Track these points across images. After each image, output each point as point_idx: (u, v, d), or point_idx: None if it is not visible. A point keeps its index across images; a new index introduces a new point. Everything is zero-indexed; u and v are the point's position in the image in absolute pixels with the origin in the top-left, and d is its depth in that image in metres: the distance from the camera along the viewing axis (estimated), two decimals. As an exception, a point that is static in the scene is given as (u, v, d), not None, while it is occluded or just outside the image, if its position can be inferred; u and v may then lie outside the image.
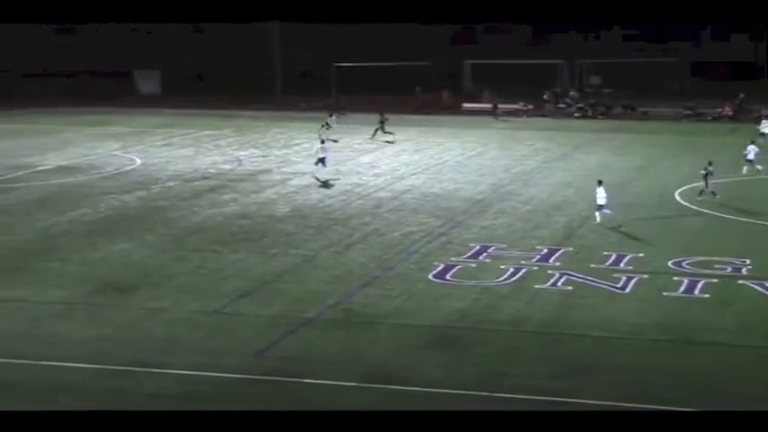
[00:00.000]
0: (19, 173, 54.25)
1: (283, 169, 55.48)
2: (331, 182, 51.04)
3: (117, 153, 61.05)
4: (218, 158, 59.14)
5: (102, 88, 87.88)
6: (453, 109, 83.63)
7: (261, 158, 59.12)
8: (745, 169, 52.81)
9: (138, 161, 58.10)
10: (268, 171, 54.82)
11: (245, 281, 34.37)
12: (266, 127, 72.56)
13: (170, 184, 51.40)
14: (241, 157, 59.62)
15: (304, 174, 53.26)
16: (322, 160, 52.13)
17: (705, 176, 46.98)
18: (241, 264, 36.50)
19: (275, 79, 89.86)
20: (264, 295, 32.91)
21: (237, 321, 30.51)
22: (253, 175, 53.62)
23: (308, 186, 50.51)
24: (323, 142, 54.94)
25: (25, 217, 43.74)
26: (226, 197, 48.01)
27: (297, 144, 64.59)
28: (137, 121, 75.93)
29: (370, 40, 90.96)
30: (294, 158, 59.10)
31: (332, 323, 30.37)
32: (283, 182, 51.84)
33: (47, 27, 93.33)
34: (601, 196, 42.36)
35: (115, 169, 55.61)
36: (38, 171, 54.53)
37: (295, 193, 49.16)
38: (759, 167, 52.56)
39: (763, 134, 62.33)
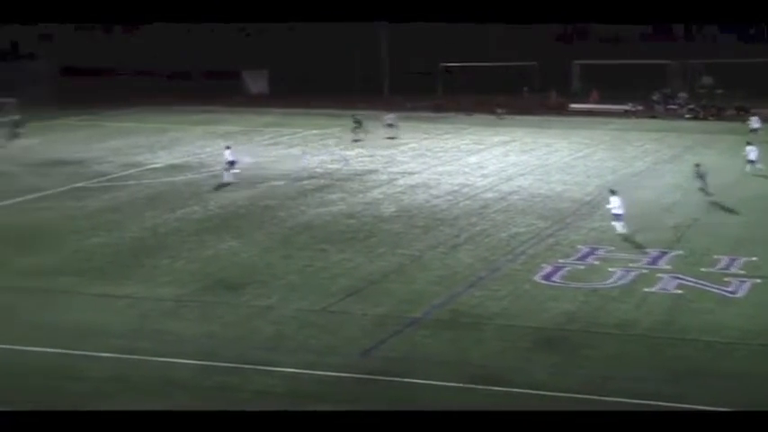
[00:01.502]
0: (130, 171, 55.11)
1: (390, 169, 55.52)
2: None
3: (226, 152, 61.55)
4: (325, 158, 59.42)
5: (212, 88, 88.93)
6: (561, 109, 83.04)
7: (367, 158, 59.25)
8: (748, 168, 52.88)
9: (248, 160, 58.56)
10: (375, 171, 54.92)
11: (352, 280, 34.45)
12: (373, 127, 72.65)
13: (278, 183, 51.78)
14: (348, 157, 59.82)
15: (412, 174, 53.23)
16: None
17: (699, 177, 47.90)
18: (348, 263, 36.60)
19: (383, 79, 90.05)
20: (371, 295, 32.95)
21: (344, 320, 30.57)
22: (359, 175, 53.76)
23: (414, 186, 50.50)
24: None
25: (135, 214, 44.39)
26: (333, 196, 48.20)
27: (403, 144, 64.60)
28: (245, 120, 76.68)
29: (479, 40, 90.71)
30: (401, 158, 59.11)
31: (438, 323, 30.28)
32: (390, 182, 51.89)
33: (157, 27, 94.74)
34: (616, 206, 41.02)
35: (224, 168, 56.08)
36: (148, 169, 55.31)
37: (402, 193, 49.17)
38: (760, 166, 52.52)
39: (753, 130, 63.14)
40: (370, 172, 54.70)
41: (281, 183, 51.42)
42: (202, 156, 59.76)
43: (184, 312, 31.29)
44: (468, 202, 47.18)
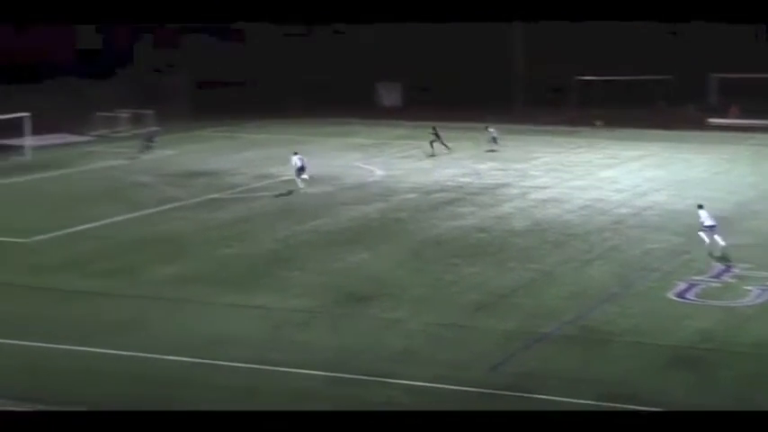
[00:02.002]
0: (263, 182, 55.69)
1: (522, 183, 55.10)
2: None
3: (358, 164, 61.97)
4: (456, 171, 59.23)
5: (345, 100, 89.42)
6: (699, 124, 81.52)
7: (500, 172, 58.90)
8: None
9: (379, 173, 58.81)
10: (506, 185, 54.56)
11: (482, 294, 34.23)
12: (505, 140, 72.26)
13: (409, 196, 51.79)
14: (480, 171, 59.57)
15: (544, 188, 52.78)
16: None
17: None
18: (478, 277, 36.39)
19: (516, 91, 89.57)
20: (500, 309, 32.69)
21: (473, 334, 30.38)
22: (491, 189, 53.47)
23: (546, 201, 50.05)
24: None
25: (268, 226, 44.80)
26: (464, 210, 48.01)
27: (536, 158, 64.11)
28: (378, 132, 76.98)
29: (614, 53, 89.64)
30: (533, 172, 58.63)
31: (568, 339, 29.90)
32: (522, 195, 51.51)
33: (292, 39, 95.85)
34: (705, 217, 39.76)
35: (356, 180, 56.44)
36: (281, 181, 55.80)
37: (533, 207, 48.76)
38: None
39: None
40: (502, 186, 54.37)
41: (412, 196, 51.41)
42: (334, 168, 60.08)
43: (315, 324, 31.45)
44: (601, 217, 46.57)
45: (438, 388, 25.96)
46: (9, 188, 54.64)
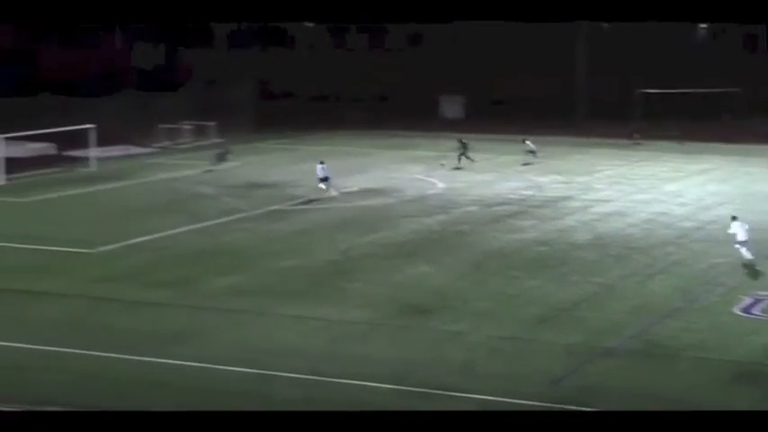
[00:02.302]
0: (324, 194, 55.68)
1: (584, 196, 54.72)
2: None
3: (419, 177, 61.87)
4: (518, 184, 58.94)
5: (407, 113, 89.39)
6: (765, 138, 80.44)
7: (562, 185, 58.54)
8: None
9: (440, 185, 58.66)
10: (569, 198, 54.20)
11: (543, 307, 33.97)
12: (567, 153, 71.92)
13: (471, 208, 51.61)
14: (541, 184, 59.23)
15: (607, 201, 52.33)
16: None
17: None
18: (539, 290, 36.12)
19: (577, 104, 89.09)
20: (562, 323, 32.41)
21: (534, 348, 30.13)
22: (553, 202, 53.14)
23: (608, 214, 49.64)
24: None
25: (328, 238, 44.79)
26: (525, 223, 47.73)
27: (599, 171, 63.66)
28: (438, 145, 76.74)
29: (677, 65, 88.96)
30: (596, 185, 58.21)
31: (631, 354, 29.58)
32: (584, 209, 51.14)
33: (352, 53, 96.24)
34: (739, 231, 39.42)
35: (417, 193, 56.33)
36: (342, 193, 55.81)
37: (596, 220, 48.37)
38: None
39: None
40: (564, 199, 54.02)
41: (473, 208, 51.21)
42: (395, 180, 60.04)
43: (375, 336, 31.35)
44: (664, 230, 46.11)
45: (500, 401, 25.72)
46: (74, 199, 55.11)
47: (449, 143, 75.01)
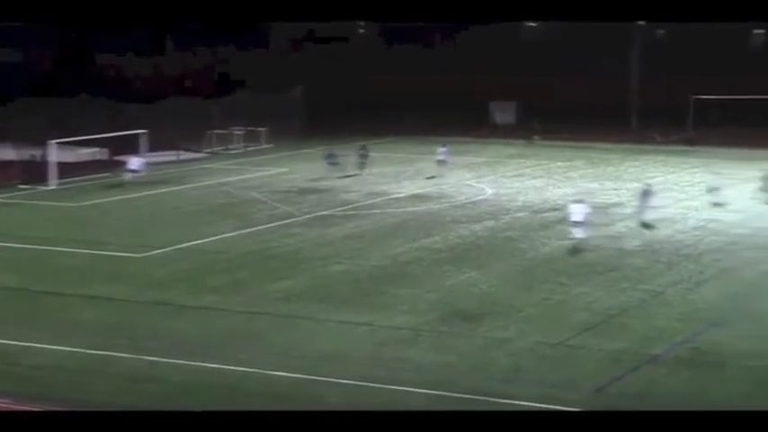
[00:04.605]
0: (375, 200, 55.93)
1: (635, 203, 54.41)
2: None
3: (469, 182, 61.89)
4: (568, 190, 58.79)
5: (459, 119, 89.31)
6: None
7: (613, 191, 58.31)
8: None
9: (490, 191, 58.66)
10: (619, 204, 53.99)
11: (591, 314, 33.92)
12: (620, 159, 71.63)
13: (519, 214, 51.57)
14: (593, 190, 59.04)
15: (657, 208, 52.04)
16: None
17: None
18: (587, 297, 36.07)
19: (631, 110, 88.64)
20: (609, 330, 32.36)
21: (581, 355, 30.11)
22: (603, 208, 52.91)
23: (659, 221, 49.39)
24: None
25: (378, 243, 44.96)
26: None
27: (651, 177, 63.29)
28: (490, 151, 76.75)
29: (734, 70, 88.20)
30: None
31: (678, 362, 29.46)
32: (635, 215, 50.90)
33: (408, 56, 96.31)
34: (577, 212, 44.05)
35: (466, 199, 56.38)
36: (392, 198, 55.99)
37: (652, 229, 48.07)
38: None
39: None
40: (615, 205, 53.83)
41: (522, 214, 51.15)
42: (445, 187, 60.08)
43: (421, 341, 31.44)
44: (715, 237, 45.86)
45: (545, 408, 25.72)
46: (125, 204, 55.63)
47: (501, 149, 75.15)
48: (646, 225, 48.48)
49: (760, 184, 54.71)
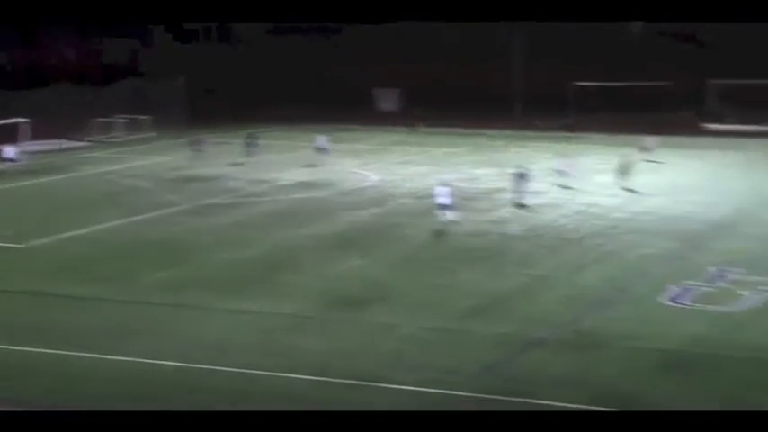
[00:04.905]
0: (261, 187, 55.79)
1: (511, 187, 54.96)
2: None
3: (355, 170, 62.06)
4: (452, 176, 59.19)
5: (343, 106, 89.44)
6: (694, 129, 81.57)
7: (496, 177, 58.94)
8: None
9: (375, 178, 58.90)
10: (503, 190, 54.58)
11: (476, 298, 34.27)
12: (504, 146, 72.43)
13: (405, 201, 51.87)
14: (477, 176, 59.64)
15: (539, 193, 52.77)
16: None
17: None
18: (472, 281, 36.44)
19: (514, 97, 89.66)
20: (495, 313, 32.73)
21: (467, 339, 30.39)
22: (488, 194, 53.53)
23: (542, 206, 50.10)
24: None
25: (264, 231, 44.86)
26: (460, 215, 48.02)
27: (534, 163, 64.04)
28: (375, 138, 77.04)
29: (612, 58, 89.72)
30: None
31: (562, 344, 29.91)
32: (512, 199, 51.54)
33: (287, 45, 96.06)
34: (442, 195, 45.47)
35: (352, 186, 56.55)
36: (278, 186, 55.89)
37: (529, 212, 48.82)
38: None
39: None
40: (498, 191, 54.41)
41: (408, 201, 51.52)
42: (330, 173, 60.17)
43: (308, 328, 31.46)
44: (596, 221, 46.65)
45: (431, 392, 25.96)
46: (5, 194, 54.68)
47: (385, 137, 75.55)
48: (522, 207, 49.61)
49: (617, 168, 55.75)
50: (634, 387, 26.43)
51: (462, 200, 51.71)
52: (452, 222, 44.64)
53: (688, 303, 33.71)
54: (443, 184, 46.31)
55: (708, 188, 55.47)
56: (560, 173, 55.37)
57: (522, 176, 51.80)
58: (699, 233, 44.05)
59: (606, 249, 41.31)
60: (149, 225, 46.30)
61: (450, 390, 25.97)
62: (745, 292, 34.56)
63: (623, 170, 55.05)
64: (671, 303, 33.70)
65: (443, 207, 45.32)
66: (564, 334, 30.77)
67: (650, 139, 67.34)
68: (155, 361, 28.29)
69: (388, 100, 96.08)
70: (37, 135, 67.40)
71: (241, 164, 63.33)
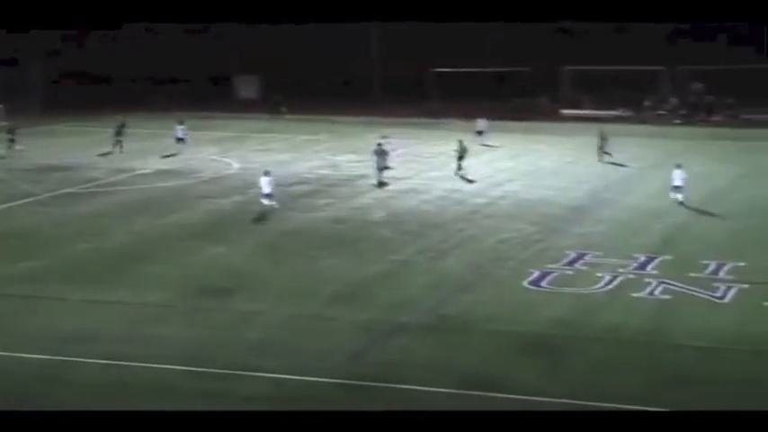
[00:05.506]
0: (120, 176, 55.09)
1: (371, 164, 55.30)
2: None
3: (216, 157, 61.71)
4: (315, 163, 59.40)
5: (204, 93, 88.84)
6: (551, 115, 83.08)
7: (358, 164, 59.19)
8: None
9: (236, 166, 58.65)
10: (365, 176, 54.85)
11: (341, 285, 34.43)
12: (364, 132, 72.71)
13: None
14: (338, 162, 59.83)
15: (401, 179, 53.19)
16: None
17: None
18: (336, 268, 36.58)
19: (373, 84, 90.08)
20: (359, 300, 32.92)
21: (332, 326, 30.52)
22: (350, 180, 53.77)
23: (404, 192, 50.52)
24: None
25: (124, 220, 44.33)
26: (322, 202, 48.20)
27: (393, 150, 64.43)
28: (236, 126, 76.67)
29: (471, 43, 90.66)
30: (390, 164, 58.97)
31: (426, 329, 30.25)
32: (380, 187, 51.86)
33: (155, 35, 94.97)
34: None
35: (213, 173, 56.23)
36: (138, 175, 55.27)
37: (391, 198, 49.22)
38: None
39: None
40: (360, 177, 54.68)
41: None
42: (191, 162, 59.73)
43: (172, 318, 31.25)
44: (457, 207, 47.23)
45: (299, 379, 26.02)
46: None
47: (246, 124, 75.28)
48: (382, 184, 51.23)
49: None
50: (497, 370, 26.87)
51: (324, 186, 51.99)
52: (273, 207, 45.75)
53: (548, 286, 34.39)
54: (266, 174, 46.90)
55: (564, 173, 56.56)
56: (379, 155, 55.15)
57: (381, 153, 52.64)
58: (556, 217, 44.93)
59: (468, 234, 41.85)
60: (5, 216, 45.36)
61: (319, 377, 26.07)
62: (603, 274, 35.40)
63: (460, 155, 55.85)
64: (531, 287, 34.34)
65: (266, 196, 46.17)
66: (428, 319, 31.11)
67: (482, 122, 68.34)
68: (13, 354, 27.78)
69: (248, 87, 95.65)
70: None
71: (108, 153, 62.30)
